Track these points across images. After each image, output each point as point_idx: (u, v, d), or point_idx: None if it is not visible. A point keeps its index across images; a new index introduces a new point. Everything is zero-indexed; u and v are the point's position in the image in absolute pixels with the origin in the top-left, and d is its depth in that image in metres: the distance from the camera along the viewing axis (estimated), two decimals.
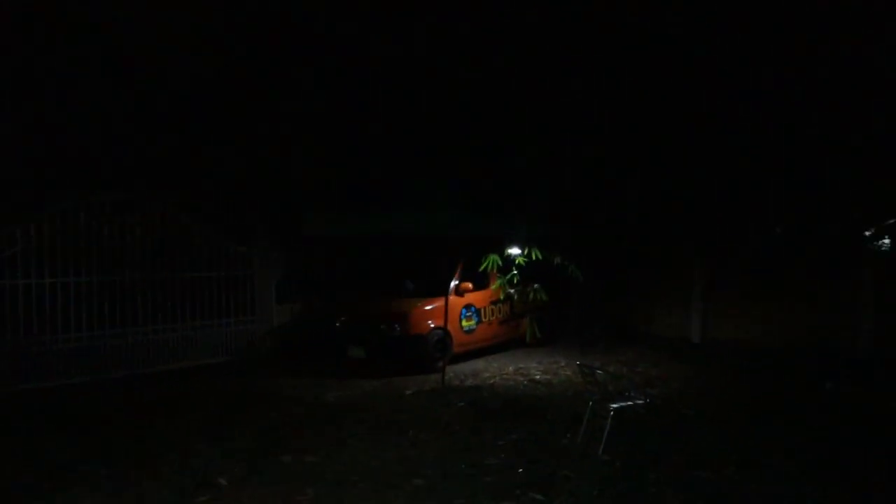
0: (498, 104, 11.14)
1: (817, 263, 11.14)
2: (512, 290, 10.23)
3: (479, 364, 10.84)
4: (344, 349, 10.57)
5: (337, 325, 10.82)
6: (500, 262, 9.84)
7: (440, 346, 10.24)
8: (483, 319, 11.27)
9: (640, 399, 6.25)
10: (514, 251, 10.09)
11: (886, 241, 10.62)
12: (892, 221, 10.50)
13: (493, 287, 10.86)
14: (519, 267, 10.00)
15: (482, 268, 9.92)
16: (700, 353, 11.54)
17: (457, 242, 10.96)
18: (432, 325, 10.23)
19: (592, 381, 6.35)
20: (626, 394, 6.41)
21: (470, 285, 10.86)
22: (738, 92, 11.30)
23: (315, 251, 12.54)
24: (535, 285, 10.08)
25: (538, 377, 9.73)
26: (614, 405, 6.12)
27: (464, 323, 10.87)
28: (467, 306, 10.98)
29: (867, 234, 10.63)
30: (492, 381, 9.48)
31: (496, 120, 11.18)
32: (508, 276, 10.01)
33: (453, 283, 10.73)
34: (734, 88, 11.32)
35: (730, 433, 6.80)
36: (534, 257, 9.94)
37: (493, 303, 11.46)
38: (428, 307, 10.36)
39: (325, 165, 12.25)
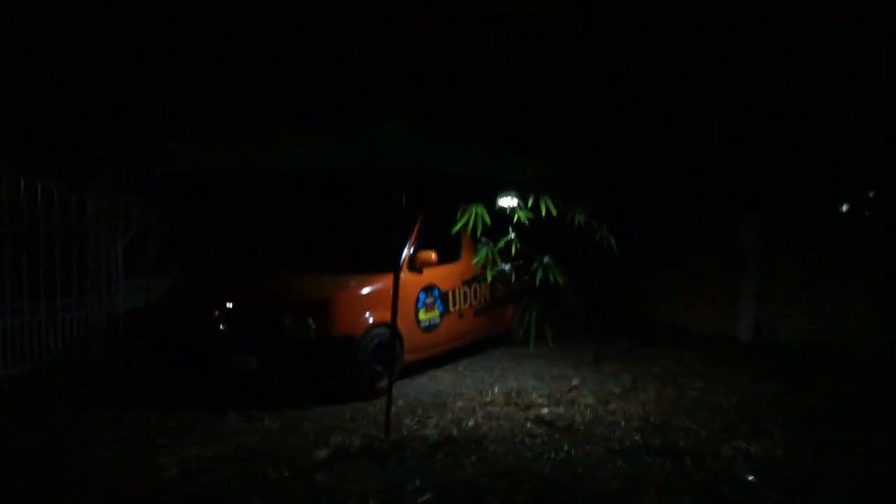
0: None
1: None
2: (507, 266, 6.17)
3: (443, 381, 6.87)
4: (226, 357, 6.24)
5: (216, 316, 6.41)
6: (487, 220, 5.82)
7: (383, 355, 6.12)
8: (451, 309, 7.26)
9: None
10: (510, 202, 6.15)
11: None
12: None
13: (474, 260, 6.54)
14: (519, 228, 6.04)
15: (458, 227, 5.85)
16: (765, 359, 7.84)
17: (413, 185, 6.63)
18: (371, 321, 6.18)
19: None
20: None
21: (433, 255, 6.82)
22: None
23: (186, 198, 8.23)
24: (546, 258, 6.10)
25: (546, 413, 5.80)
26: None
27: (421, 315, 6.84)
28: (428, 288, 6.95)
29: None
30: (472, 424, 5.48)
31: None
32: (503, 242, 6.00)
33: (407, 252, 6.73)
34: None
35: None
36: (543, 212, 6.04)
37: (467, 283, 7.47)
38: (364, 290, 6.30)
39: (200, 64, 7.88)
